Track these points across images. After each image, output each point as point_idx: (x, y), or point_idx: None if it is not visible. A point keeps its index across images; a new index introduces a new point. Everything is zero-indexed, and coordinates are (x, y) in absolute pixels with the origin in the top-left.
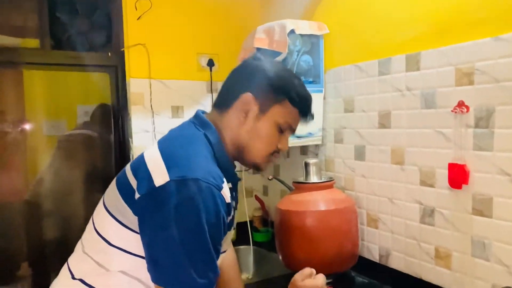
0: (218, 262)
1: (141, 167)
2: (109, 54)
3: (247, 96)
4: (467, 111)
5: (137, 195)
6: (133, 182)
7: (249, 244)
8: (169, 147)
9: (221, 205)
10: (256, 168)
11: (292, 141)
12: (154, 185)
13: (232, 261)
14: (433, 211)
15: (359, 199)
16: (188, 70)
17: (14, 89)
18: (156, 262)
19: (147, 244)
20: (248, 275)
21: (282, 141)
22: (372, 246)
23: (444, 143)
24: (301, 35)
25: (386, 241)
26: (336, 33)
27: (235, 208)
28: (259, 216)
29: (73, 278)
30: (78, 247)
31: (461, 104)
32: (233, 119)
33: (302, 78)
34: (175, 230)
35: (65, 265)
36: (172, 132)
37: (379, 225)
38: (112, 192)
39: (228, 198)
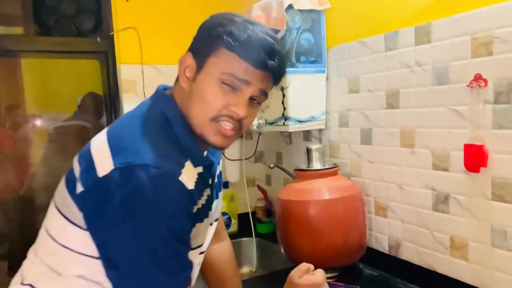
0: (195, 257)
1: (85, 155)
2: (98, 39)
3: (185, 55)
4: (485, 86)
5: (80, 188)
6: (77, 172)
7: (252, 236)
8: (117, 130)
9: (180, 193)
10: (209, 143)
11: (294, 126)
12: (97, 176)
13: (228, 256)
14: (448, 198)
15: (366, 186)
16: (183, 54)
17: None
18: (114, 266)
19: (98, 246)
20: (251, 268)
21: (236, 102)
22: (381, 236)
23: (459, 122)
24: (301, 11)
25: (396, 231)
26: (338, 8)
27: (214, 196)
28: (262, 206)
29: (23, 283)
30: (32, 250)
31: (478, 77)
32: (180, 86)
33: (303, 58)
34: (127, 226)
35: (19, 269)
36: (126, 113)
37: (388, 214)
38: (61, 185)
39: (190, 185)
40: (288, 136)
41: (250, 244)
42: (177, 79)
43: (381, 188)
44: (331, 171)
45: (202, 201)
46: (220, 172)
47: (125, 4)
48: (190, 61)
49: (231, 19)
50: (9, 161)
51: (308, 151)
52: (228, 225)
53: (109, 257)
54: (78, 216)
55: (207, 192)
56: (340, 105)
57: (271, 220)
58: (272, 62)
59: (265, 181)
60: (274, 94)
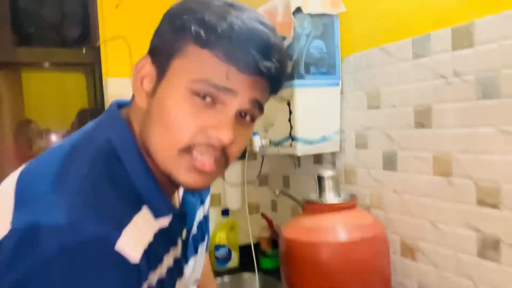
0: None
1: None
2: (84, 50)
3: (141, 60)
4: None
5: None
6: None
7: (254, 271)
8: (34, 168)
9: (114, 271)
10: (179, 184)
11: (302, 148)
12: None
13: None
14: (498, 243)
15: (390, 222)
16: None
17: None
18: None
19: None
20: None
21: (216, 122)
22: (409, 282)
23: None
24: (311, 15)
25: (428, 278)
26: (354, 11)
27: (189, 252)
28: (267, 237)
29: None
30: None
31: None
32: (137, 105)
33: (313, 69)
34: None
35: None
36: (62, 140)
37: (418, 256)
38: None
39: (134, 255)
40: (297, 158)
41: (252, 281)
42: (134, 95)
43: (409, 225)
44: (348, 204)
45: (161, 269)
46: (205, 217)
47: (114, 11)
48: (149, 67)
49: (204, 2)
50: None
51: (320, 179)
52: (227, 258)
53: None
54: None
55: (175, 252)
56: (357, 123)
57: (277, 253)
58: (268, 64)
59: (271, 207)
60: (280, 110)
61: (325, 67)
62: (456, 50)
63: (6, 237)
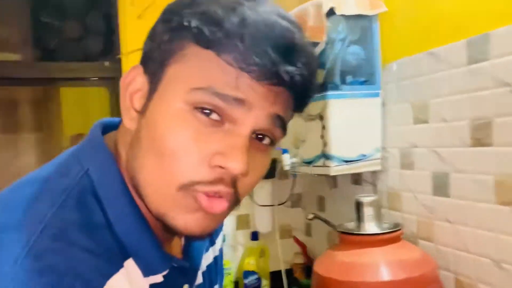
0: None
1: None
2: (106, 63)
3: (131, 71)
4: None
5: None
6: None
7: None
8: None
9: None
10: (175, 230)
11: (337, 168)
12: None
13: None
14: None
15: (443, 256)
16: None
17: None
18: None
19: None
20: None
21: (225, 147)
22: None
23: None
24: (346, 18)
25: None
26: (397, 11)
27: None
28: (300, 263)
29: None
30: None
31: None
32: (125, 128)
33: (350, 78)
34: None
35: None
36: (29, 174)
37: None
38: None
39: None
40: (332, 178)
41: None
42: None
43: (465, 262)
44: (392, 237)
45: None
46: (216, 258)
47: (135, 22)
48: (141, 80)
49: None
50: None
51: (358, 205)
52: (257, 286)
53: None
54: None
55: None
56: (402, 140)
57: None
58: (291, 69)
59: (304, 231)
60: (311, 125)
61: (364, 76)
62: None
63: None
